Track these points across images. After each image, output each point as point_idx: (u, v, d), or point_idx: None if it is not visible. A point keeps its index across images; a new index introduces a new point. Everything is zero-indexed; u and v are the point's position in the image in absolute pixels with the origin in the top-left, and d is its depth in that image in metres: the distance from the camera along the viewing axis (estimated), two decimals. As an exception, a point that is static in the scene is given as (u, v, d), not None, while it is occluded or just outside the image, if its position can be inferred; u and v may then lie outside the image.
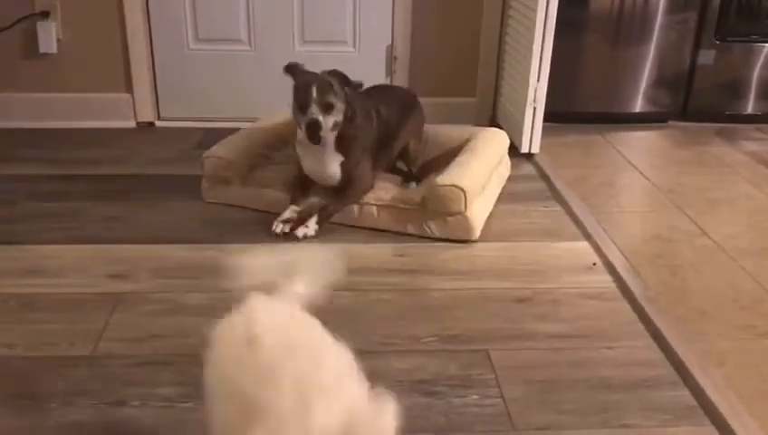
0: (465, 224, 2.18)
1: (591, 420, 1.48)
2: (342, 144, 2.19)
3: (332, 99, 2.07)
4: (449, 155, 2.45)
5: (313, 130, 2.05)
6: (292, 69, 2.14)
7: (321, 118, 2.04)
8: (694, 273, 2.08)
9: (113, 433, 1.40)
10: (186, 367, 1.59)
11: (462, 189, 2.15)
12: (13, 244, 2.10)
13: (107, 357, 1.63)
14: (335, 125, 2.11)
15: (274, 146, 2.57)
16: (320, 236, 2.18)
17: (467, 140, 2.53)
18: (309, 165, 2.25)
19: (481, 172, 2.31)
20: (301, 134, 2.16)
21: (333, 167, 2.22)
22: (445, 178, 2.19)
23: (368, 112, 2.27)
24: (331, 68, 2.14)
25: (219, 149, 2.42)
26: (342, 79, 2.12)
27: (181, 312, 1.81)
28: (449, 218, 2.18)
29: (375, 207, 2.25)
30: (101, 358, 1.62)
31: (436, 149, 2.61)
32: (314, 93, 2.04)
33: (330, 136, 2.14)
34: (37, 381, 1.54)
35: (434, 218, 2.20)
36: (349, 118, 2.15)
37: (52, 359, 1.61)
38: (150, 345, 1.67)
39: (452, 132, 2.67)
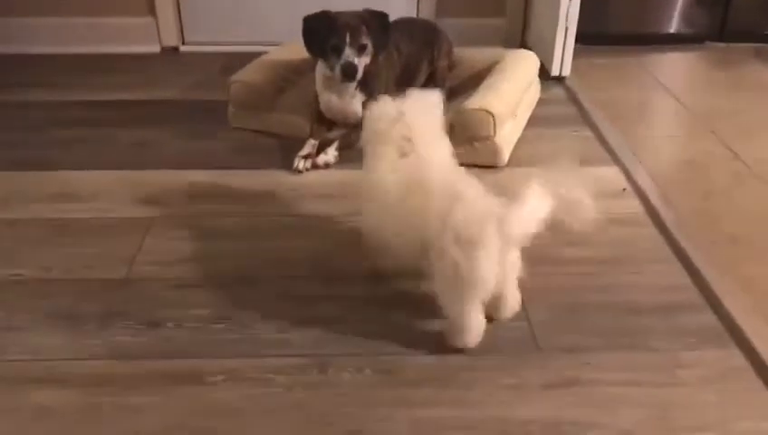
0: (494, 149, 2.16)
1: (617, 341, 1.49)
2: (365, 82, 2.18)
3: (365, 40, 2.10)
4: (478, 78, 2.40)
5: (350, 72, 2.09)
6: (320, 19, 2.12)
7: (356, 60, 2.08)
8: (725, 198, 2.05)
9: (149, 353, 1.45)
10: (217, 289, 1.63)
11: (491, 113, 2.11)
12: (42, 170, 2.14)
13: (141, 280, 1.67)
14: (365, 66, 2.12)
15: (300, 70, 2.54)
16: (342, 164, 2.18)
17: (496, 63, 2.47)
18: (331, 103, 2.23)
19: (510, 96, 2.27)
20: (324, 73, 2.16)
21: (355, 104, 2.20)
22: (473, 102, 2.16)
23: (388, 50, 2.25)
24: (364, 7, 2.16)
25: (245, 74, 2.40)
26: (373, 18, 2.13)
27: (211, 236, 1.84)
28: (477, 144, 2.16)
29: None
30: (135, 281, 1.67)
31: (464, 71, 2.56)
32: (348, 36, 2.07)
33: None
34: (73, 303, 1.59)
35: (461, 144, 2.17)
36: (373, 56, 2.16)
37: (88, 281, 1.66)
38: (182, 268, 1.71)
39: (480, 55, 2.61)
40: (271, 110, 2.37)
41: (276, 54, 2.59)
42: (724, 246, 1.81)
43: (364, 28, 2.09)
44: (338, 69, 2.09)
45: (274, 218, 1.91)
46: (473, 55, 2.61)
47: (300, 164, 2.15)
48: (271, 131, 2.37)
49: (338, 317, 1.55)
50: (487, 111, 2.12)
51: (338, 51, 2.08)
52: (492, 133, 2.14)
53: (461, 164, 2.14)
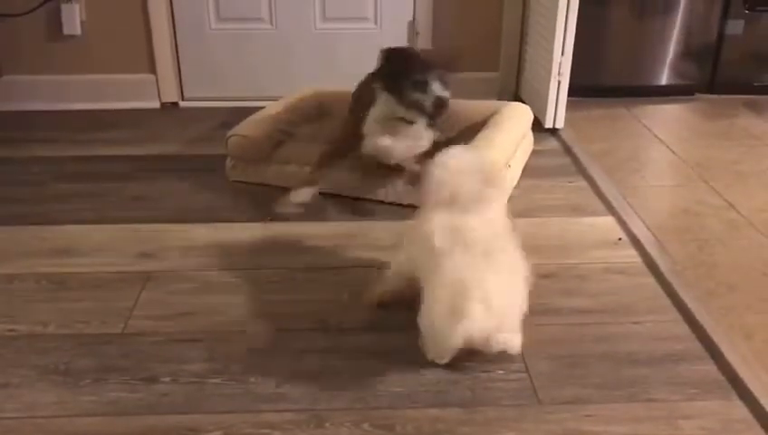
0: (489, 200, 2.17)
1: (617, 394, 1.48)
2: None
3: (447, 76, 2.00)
4: (473, 130, 2.43)
5: (442, 107, 1.97)
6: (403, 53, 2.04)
7: (447, 94, 1.97)
8: (722, 247, 2.05)
9: (145, 409, 1.43)
10: (214, 344, 1.62)
11: None
12: (42, 224, 2.14)
13: (137, 335, 1.66)
14: None
15: (297, 123, 2.57)
16: (336, 215, 2.19)
17: (491, 115, 2.51)
18: (391, 147, 2.11)
19: (505, 147, 2.30)
20: (386, 114, 2.06)
21: (423, 144, 2.11)
22: None
23: None
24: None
25: (243, 128, 2.43)
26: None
27: (209, 290, 1.83)
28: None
29: (400, 182, 2.25)
30: (132, 335, 1.66)
31: (459, 123, 2.60)
32: (435, 71, 1.97)
33: None
34: (69, 359, 1.57)
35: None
36: None
37: (84, 336, 1.65)
38: (179, 323, 1.70)
39: (475, 107, 2.65)
40: (269, 162, 2.39)
41: (273, 108, 2.63)
42: (723, 295, 1.81)
43: (442, 63, 2.02)
44: (428, 104, 1.96)
45: (271, 271, 1.91)
46: (468, 107, 2.65)
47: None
48: (268, 183, 2.39)
49: (335, 371, 1.54)
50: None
51: (423, 86, 1.96)
52: (487, 184, 2.15)
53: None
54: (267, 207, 2.25)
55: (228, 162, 2.45)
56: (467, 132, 2.47)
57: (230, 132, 2.42)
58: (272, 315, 1.73)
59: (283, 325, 1.70)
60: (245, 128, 2.44)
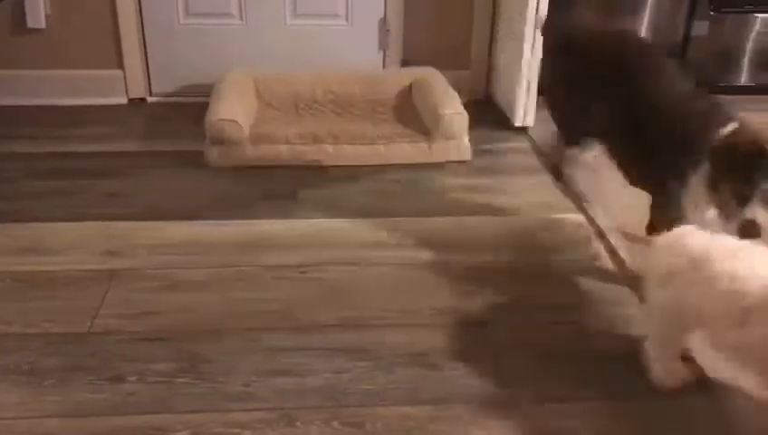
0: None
1: (592, 390, 1.49)
2: None
3: None
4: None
5: (751, 234, 1.53)
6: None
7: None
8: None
9: (111, 409, 1.41)
10: (181, 343, 1.60)
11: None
12: (11, 222, 2.09)
13: (103, 334, 1.63)
14: None
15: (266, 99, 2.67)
16: (315, 214, 2.18)
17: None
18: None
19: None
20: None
21: None
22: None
23: None
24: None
25: (223, 112, 2.47)
26: None
27: (177, 288, 1.81)
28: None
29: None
30: (98, 334, 1.63)
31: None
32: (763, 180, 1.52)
33: None
34: (34, 358, 1.54)
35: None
36: None
37: (50, 335, 1.62)
38: (146, 322, 1.68)
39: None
40: (251, 144, 2.46)
41: (237, 86, 2.69)
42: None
43: None
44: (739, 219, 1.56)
45: (241, 269, 1.90)
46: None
47: None
48: (254, 165, 2.45)
49: (304, 369, 1.53)
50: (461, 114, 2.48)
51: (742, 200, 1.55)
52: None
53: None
54: (239, 205, 2.23)
55: (211, 149, 2.46)
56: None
57: (212, 117, 2.44)
58: (240, 313, 1.72)
59: (253, 324, 1.68)
60: (229, 110, 2.48)
